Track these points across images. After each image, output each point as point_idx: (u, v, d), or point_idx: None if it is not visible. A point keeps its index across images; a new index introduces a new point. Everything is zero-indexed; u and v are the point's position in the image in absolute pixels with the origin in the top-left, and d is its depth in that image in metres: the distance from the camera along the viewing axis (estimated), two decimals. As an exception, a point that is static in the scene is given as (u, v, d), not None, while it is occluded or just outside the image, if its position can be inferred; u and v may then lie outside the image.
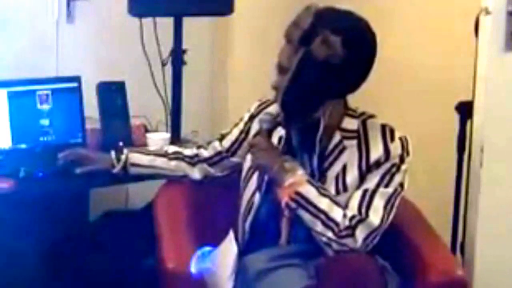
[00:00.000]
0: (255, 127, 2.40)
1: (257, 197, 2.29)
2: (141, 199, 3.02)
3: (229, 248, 2.30)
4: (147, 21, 3.09)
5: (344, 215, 2.17)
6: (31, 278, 2.75)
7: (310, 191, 2.18)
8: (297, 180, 2.18)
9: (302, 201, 2.17)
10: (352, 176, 2.22)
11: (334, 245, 2.16)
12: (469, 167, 2.55)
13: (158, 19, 3.11)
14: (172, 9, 2.97)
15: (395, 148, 2.22)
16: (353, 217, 2.17)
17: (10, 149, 2.74)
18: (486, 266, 2.42)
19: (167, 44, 3.07)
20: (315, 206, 2.17)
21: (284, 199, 2.18)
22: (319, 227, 2.16)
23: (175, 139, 2.99)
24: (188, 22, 3.07)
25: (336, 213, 2.17)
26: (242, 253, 2.27)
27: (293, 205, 2.18)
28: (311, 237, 2.20)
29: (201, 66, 3.52)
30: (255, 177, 2.32)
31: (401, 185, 2.23)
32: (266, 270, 2.16)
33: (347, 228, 2.15)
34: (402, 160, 2.22)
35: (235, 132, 2.47)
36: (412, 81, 3.18)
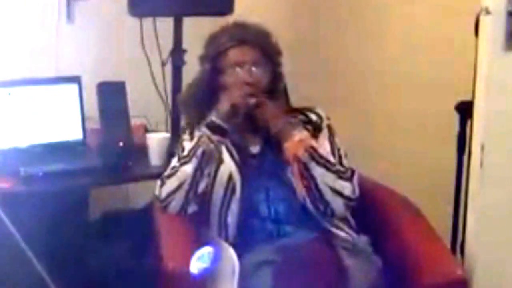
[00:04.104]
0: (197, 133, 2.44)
1: (237, 176, 2.37)
2: (141, 199, 3.02)
3: (228, 247, 2.30)
4: (147, 21, 3.09)
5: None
6: (31, 278, 2.75)
7: (320, 146, 2.35)
8: (305, 136, 2.35)
9: (315, 154, 2.33)
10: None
11: (347, 192, 2.35)
12: (469, 167, 2.55)
13: (158, 19, 3.11)
14: (172, 9, 2.97)
15: (321, 111, 2.49)
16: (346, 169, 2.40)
17: (10, 149, 2.74)
18: (486, 266, 2.42)
19: (167, 44, 3.07)
20: (327, 160, 2.35)
21: (299, 151, 2.29)
22: (330, 177, 2.32)
23: (175, 139, 2.99)
24: (188, 22, 3.07)
25: (340, 166, 2.39)
26: (236, 239, 2.36)
27: (306, 157, 2.30)
28: (291, 214, 2.35)
29: (201, 66, 3.51)
30: (227, 159, 2.39)
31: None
32: (260, 263, 2.22)
33: (350, 179, 2.37)
34: (328, 119, 2.47)
35: (188, 149, 2.42)
36: (412, 80, 3.17)
